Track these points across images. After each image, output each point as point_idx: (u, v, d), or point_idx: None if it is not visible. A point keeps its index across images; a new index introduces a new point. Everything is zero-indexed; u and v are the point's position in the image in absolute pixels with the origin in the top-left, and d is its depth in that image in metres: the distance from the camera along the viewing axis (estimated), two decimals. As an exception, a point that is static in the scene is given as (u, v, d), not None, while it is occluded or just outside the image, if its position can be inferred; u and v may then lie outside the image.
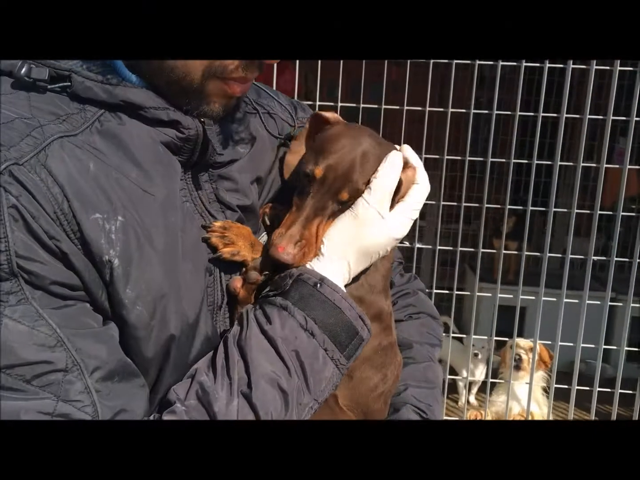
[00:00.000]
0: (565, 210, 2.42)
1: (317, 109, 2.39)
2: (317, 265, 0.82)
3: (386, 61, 2.23)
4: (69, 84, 0.74)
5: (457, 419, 3.21)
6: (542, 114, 2.22)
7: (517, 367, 2.89)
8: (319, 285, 0.78)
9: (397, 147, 0.91)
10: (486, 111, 2.33)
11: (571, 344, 2.43)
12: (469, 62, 2.41)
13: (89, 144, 0.73)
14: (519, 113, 2.26)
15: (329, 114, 0.91)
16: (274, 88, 2.23)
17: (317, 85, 2.30)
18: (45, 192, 0.67)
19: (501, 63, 2.22)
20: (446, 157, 2.29)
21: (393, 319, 0.99)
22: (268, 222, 0.92)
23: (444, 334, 3.70)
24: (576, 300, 2.41)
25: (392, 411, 0.97)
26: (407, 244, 2.55)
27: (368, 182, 0.84)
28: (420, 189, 0.88)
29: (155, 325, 0.73)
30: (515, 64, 2.36)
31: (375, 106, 2.30)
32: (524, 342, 2.97)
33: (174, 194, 0.78)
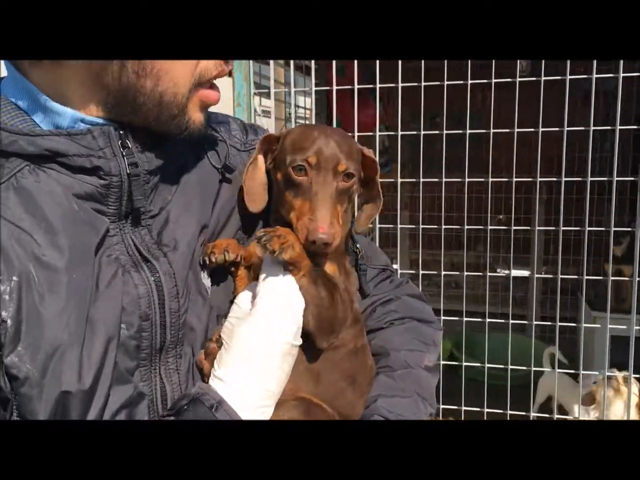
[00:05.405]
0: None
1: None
2: (218, 385, 0.79)
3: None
4: None
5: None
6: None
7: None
8: (214, 408, 0.76)
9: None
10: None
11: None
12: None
13: (1, 200, 0.74)
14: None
15: (277, 132, 0.98)
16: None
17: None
18: None
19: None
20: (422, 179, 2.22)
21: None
22: (214, 260, 0.91)
23: (549, 368, 3.35)
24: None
25: None
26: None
27: (350, 157, 0.91)
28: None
29: (46, 383, 0.72)
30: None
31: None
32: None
33: (84, 252, 0.78)
